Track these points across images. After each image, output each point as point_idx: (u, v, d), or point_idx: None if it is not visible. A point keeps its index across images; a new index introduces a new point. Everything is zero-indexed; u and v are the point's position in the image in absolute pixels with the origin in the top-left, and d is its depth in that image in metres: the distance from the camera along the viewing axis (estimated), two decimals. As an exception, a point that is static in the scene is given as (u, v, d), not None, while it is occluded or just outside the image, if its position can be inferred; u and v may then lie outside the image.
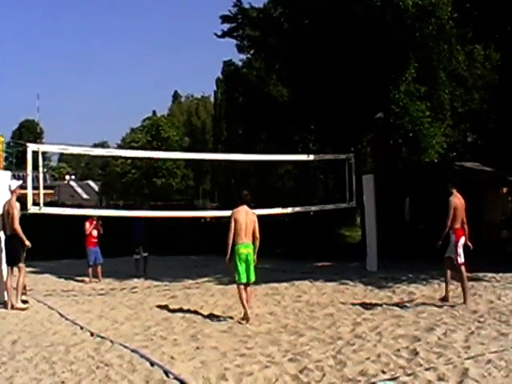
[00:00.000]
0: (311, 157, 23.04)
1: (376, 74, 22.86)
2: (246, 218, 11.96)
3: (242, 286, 11.88)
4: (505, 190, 24.20)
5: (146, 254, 21.29)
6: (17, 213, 13.58)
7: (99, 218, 19.85)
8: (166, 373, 7.95)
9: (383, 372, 7.58)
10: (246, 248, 11.86)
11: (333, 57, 23.98)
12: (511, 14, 20.77)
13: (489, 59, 25.92)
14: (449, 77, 24.66)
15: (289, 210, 21.15)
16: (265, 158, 22.57)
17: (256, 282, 12.51)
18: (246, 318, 11.68)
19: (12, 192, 13.92)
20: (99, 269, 19.74)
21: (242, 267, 11.80)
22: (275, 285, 16.72)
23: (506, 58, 23.48)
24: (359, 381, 7.28)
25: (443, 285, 13.44)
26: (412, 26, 22.70)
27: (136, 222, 20.91)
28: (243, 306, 11.80)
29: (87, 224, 19.60)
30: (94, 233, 19.76)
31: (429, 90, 24.12)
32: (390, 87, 23.31)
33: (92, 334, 10.70)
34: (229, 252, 11.78)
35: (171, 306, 13.72)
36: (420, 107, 23.43)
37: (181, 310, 13.11)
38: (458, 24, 22.11)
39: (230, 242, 11.79)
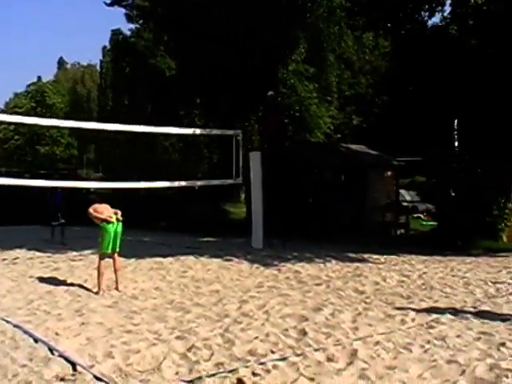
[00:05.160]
0: (198, 131, 22.91)
1: (265, 52, 22.96)
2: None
3: (105, 259, 11.92)
4: (389, 173, 24.75)
5: (63, 221, 21.32)
6: None
7: None
8: (51, 350, 7.68)
9: (272, 352, 7.56)
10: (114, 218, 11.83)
11: (221, 30, 23.89)
12: (402, 2, 21.15)
13: (377, 46, 26.57)
14: (337, 60, 25.17)
15: (175, 184, 20.98)
16: (150, 129, 22.16)
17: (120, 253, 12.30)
18: (98, 290, 11.73)
19: None
20: None
21: (109, 237, 11.73)
22: (160, 259, 16.60)
23: (395, 46, 23.96)
24: (248, 360, 7.22)
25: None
26: (303, 6, 22.95)
27: (55, 190, 20.83)
28: (98, 277, 11.83)
29: None
30: None
31: (317, 72, 24.53)
32: (279, 66, 23.51)
33: (-29, 308, 10.23)
34: (102, 216, 11.73)
35: (54, 279, 13.32)
36: (308, 88, 23.78)
37: (64, 283, 12.76)
38: (349, 13, 22.47)
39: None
